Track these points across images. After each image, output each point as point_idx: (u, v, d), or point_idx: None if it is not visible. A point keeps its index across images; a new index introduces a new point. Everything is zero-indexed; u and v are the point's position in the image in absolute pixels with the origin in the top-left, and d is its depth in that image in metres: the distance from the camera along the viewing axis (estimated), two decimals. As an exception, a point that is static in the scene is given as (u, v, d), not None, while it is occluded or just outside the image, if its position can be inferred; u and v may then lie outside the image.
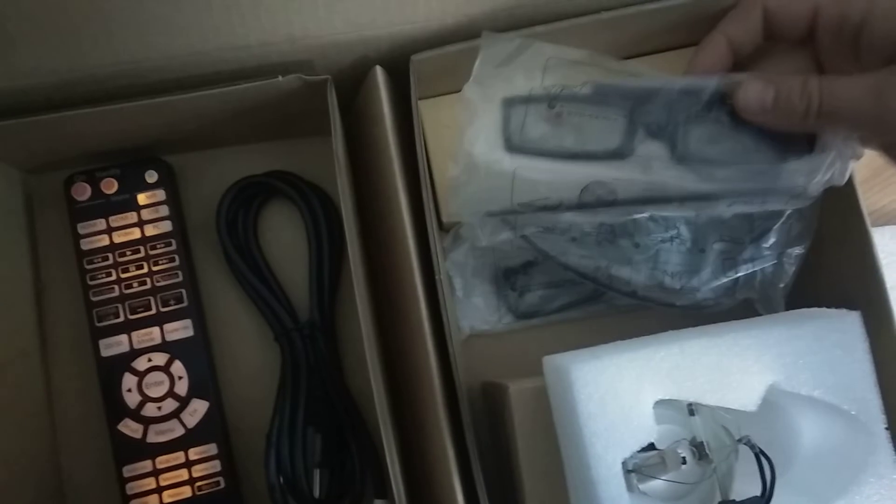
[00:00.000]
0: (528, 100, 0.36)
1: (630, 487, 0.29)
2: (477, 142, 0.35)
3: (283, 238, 0.45)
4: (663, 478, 0.30)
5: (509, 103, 0.36)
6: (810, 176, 0.34)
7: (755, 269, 0.40)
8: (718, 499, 0.29)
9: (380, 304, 0.43)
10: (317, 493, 0.41)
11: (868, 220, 0.38)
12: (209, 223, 0.43)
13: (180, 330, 0.41)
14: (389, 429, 0.36)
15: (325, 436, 0.41)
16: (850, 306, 0.32)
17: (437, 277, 0.36)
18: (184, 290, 0.41)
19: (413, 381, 0.39)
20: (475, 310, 0.44)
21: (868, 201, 0.49)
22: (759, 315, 0.40)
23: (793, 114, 0.30)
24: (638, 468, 0.29)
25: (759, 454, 0.29)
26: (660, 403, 0.29)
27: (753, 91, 0.31)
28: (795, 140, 0.35)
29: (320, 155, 0.43)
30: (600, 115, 0.36)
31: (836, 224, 0.39)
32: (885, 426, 0.30)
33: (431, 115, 0.42)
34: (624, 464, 0.29)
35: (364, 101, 0.40)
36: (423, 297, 0.36)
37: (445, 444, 0.35)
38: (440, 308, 0.36)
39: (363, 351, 0.35)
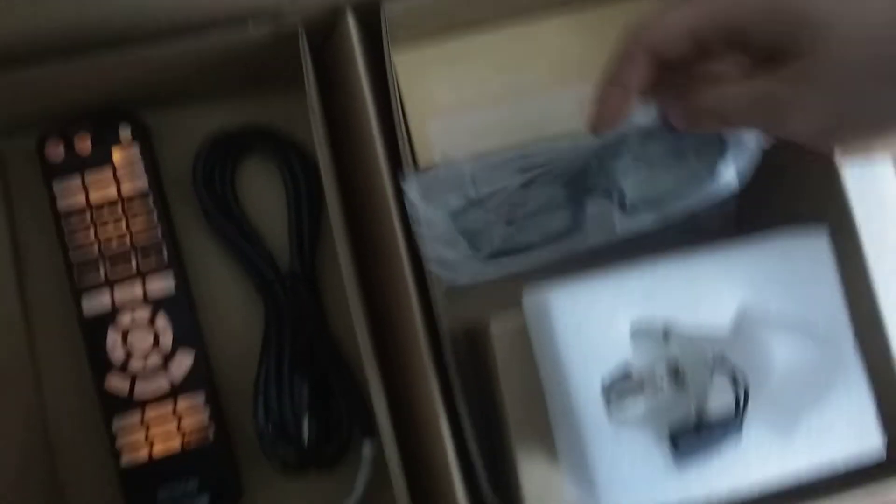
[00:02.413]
0: (473, 204, 0.37)
1: (609, 411, 0.30)
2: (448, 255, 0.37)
3: (261, 192, 0.45)
4: (641, 401, 0.30)
5: (455, 217, 0.37)
6: (742, 172, 0.36)
7: None
8: (694, 418, 0.30)
9: (361, 254, 0.43)
10: (306, 438, 0.41)
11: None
12: (185, 180, 0.43)
13: (162, 285, 0.41)
14: (374, 372, 0.37)
15: (311, 382, 0.42)
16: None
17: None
18: (163, 245, 0.41)
19: (396, 324, 0.39)
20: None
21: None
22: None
23: (702, 126, 0.29)
24: (616, 392, 0.30)
25: (733, 372, 0.30)
26: (635, 326, 0.30)
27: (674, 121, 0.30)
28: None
29: (294, 108, 0.43)
30: (545, 202, 0.37)
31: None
32: (853, 340, 0.31)
33: (405, 61, 0.42)
34: (602, 388, 0.30)
35: (336, 50, 0.40)
36: (403, 243, 0.36)
37: (430, 383, 0.35)
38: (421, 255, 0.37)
39: (346, 299, 0.36)
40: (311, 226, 0.43)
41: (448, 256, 0.42)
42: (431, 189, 0.41)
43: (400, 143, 0.38)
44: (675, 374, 0.30)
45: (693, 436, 0.29)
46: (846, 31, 0.20)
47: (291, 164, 0.43)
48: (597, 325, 0.30)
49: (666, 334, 0.30)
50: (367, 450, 0.41)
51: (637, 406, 0.31)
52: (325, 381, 0.42)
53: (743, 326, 0.31)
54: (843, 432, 0.31)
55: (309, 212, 0.43)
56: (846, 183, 0.37)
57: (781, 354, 0.31)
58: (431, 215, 0.38)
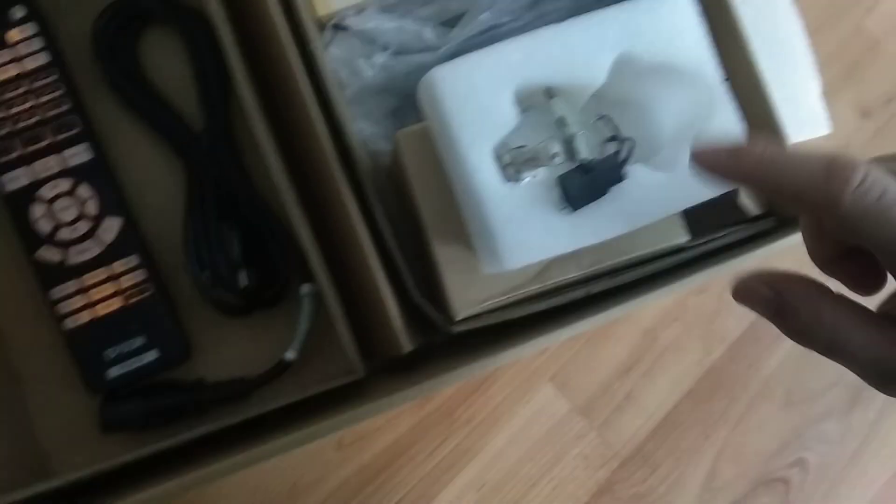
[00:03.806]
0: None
1: (503, 176, 0.32)
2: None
3: (166, 58, 0.45)
4: (532, 163, 0.32)
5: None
6: None
7: None
8: (581, 167, 0.32)
9: (273, 106, 0.44)
10: (242, 285, 0.43)
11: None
12: (87, 56, 0.43)
13: (79, 154, 0.42)
14: (295, 205, 0.38)
15: (243, 234, 0.43)
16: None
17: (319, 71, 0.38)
18: (75, 116, 0.42)
19: (310, 159, 0.41)
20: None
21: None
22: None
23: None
24: (509, 158, 0.32)
25: (614, 121, 0.32)
26: (520, 91, 0.32)
27: None
28: None
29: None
30: None
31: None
32: (723, 82, 0.33)
33: None
34: (495, 154, 0.32)
35: None
36: (306, 80, 0.38)
37: (346, 201, 0.37)
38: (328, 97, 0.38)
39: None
40: (219, 82, 0.44)
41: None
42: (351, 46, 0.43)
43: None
44: (569, 148, 0.32)
45: (580, 180, 0.31)
46: None
47: (190, 23, 0.43)
48: (482, 93, 0.31)
49: (549, 94, 0.32)
50: (305, 288, 0.43)
51: (529, 167, 0.32)
52: (257, 231, 0.44)
53: (619, 81, 0.33)
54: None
55: (215, 70, 0.44)
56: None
57: (657, 101, 0.33)
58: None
